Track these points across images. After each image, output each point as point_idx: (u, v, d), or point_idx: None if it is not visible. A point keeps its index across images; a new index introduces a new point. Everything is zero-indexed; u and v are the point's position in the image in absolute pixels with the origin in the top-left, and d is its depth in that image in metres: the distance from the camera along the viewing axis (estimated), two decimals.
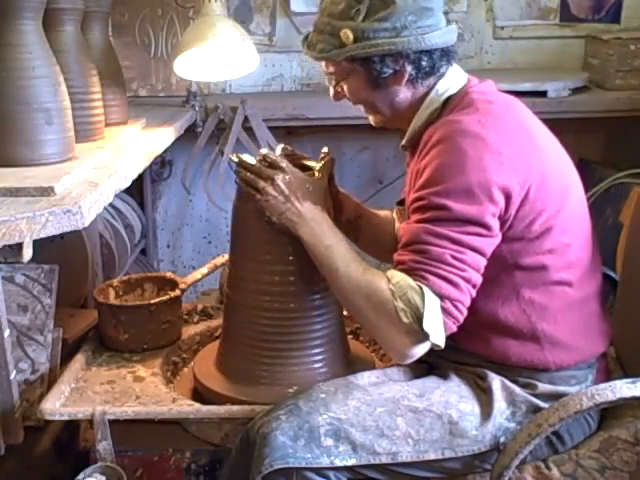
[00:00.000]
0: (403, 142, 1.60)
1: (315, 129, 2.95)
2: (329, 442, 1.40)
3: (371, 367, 1.76)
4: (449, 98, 1.53)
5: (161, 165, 3.16)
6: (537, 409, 1.47)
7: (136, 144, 2.02)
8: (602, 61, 2.91)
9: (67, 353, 1.85)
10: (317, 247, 1.50)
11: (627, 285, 1.79)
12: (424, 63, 1.49)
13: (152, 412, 1.57)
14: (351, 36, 1.47)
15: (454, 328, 1.40)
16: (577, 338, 1.51)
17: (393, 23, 1.45)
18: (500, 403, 1.48)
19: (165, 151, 2.32)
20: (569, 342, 1.50)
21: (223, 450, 1.61)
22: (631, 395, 1.38)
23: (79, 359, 1.78)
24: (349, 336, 1.88)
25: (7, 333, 1.62)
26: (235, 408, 1.58)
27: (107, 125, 2.03)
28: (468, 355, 1.55)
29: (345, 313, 1.76)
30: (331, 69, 1.57)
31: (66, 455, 1.79)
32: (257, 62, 2.51)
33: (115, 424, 1.56)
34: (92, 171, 1.61)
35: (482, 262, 1.40)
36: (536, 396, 1.49)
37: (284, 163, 1.57)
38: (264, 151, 1.60)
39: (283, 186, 1.53)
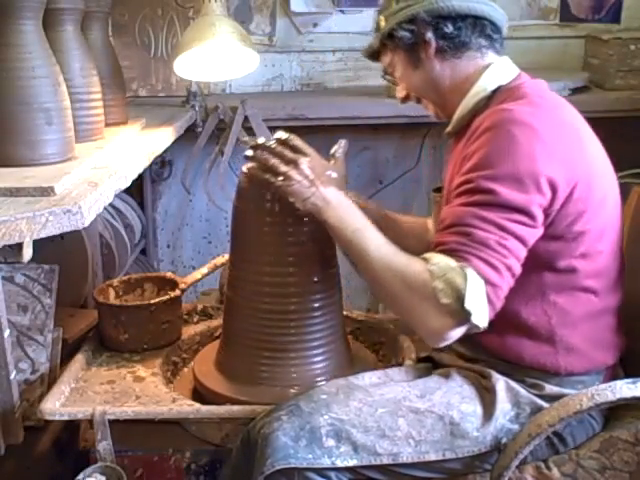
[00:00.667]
0: (449, 128, 1.61)
1: (315, 129, 2.95)
2: (330, 443, 1.40)
3: (371, 367, 1.76)
4: (498, 89, 1.53)
5: (161, 165, 3.16)
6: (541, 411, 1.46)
7: (136, 144, 2.02)
8: (602, 61, 2.91)
9: (67, 353, 1.85)
10: (345, 231, 1.45)
11: (627, 285, 1.78)
12: (447, 30, 1.52)
13: (152, 412, 1.57)
14: (384, 20, 1.59)
15: (491, 315, 1.36)
16: (591, 347, 1.50)
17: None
18: (504, 404, 1.47)
19: (165, 151, 2.32)
20: (583, 350, 1.49)
21: (223, 450, 1.61)
22: (631, 395, 1.38)
23: (79, 359, 1.78)
24: (349, 336, 1.88)
25: (7, 333, 1.62)
26: (235, 408, 1.58)
27: (107, 125, 2.03)
28: (478, 349, 1.54)
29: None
30: (385, 63, 1.65)
31: (66, 455, 1.79)
32: (257, 62, 2.51)
33: (115, 424, 1.56)
34: (92, 171, 1.61)
35: (523, 252, 1.38)
36: (542, 397, 1.48)
37: (307, 147, 1.52)
38: (281, 134, 1.53)
39: (307, 170, 1.46)
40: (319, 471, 1.40)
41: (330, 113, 2.84)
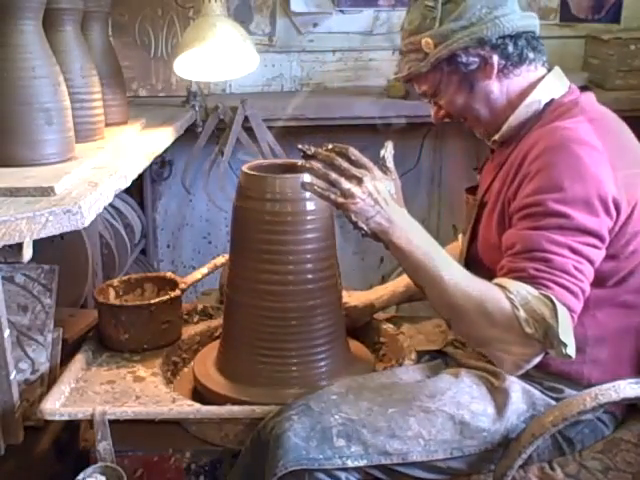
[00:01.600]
0: (496, 137, 1.57)
1: (315, 129, 2.95)
2: (341, 443, 1.40)
3: (371, 367, 1.77)
4: (551, 102, 1.52)
5: (161, 165, 3.16)
6: None
7: (136, 144, 2.02)
8: (602, 61, 2.91)
9: (67, 353, 1.85)
10: (413, 254, 1.37)
11: None
12: (510, 49, 1.50)
13: (152, 412, 1.57)
14: (432, 42, 1.49)
15: None
16: (618, 363, 1.50)
17: (468, 19, 1.48)
18: (519, 405, 1.47)
19: (165, 151, 2.32)
20: (609, 364, 1.49)
21: (223, 450, 1.61)
22: (635, 395, 1.38)
23: (79, 359, 1.78)
24: (349, 336, 1.88)
25: (7, 333, 1.62)
26: (235, 408, 1.58)
27: (107, 125, 2.03)
28: None
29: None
30: (424, 87, 1.57)
31: (66, 455, 1.79)
32: (257, 62, 2.51)
33: (115, 424, 1.56)
34: (92, 171, 1.61)
35: (592, 275, 1.38)
36: (558, 401, 1.48)
37: (367, 161, 1.42)
38: (336, 145, 1.40)
39: (371, 188, 1.37)
40: (329, 472, 1.40)
41: (330, 113, 2.84)
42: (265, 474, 1.39)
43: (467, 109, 1.56)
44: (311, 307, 1.66)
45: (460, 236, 1.87)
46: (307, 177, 1.47)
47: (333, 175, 1.35)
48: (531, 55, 1.53)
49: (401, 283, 1.92)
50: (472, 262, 1.58)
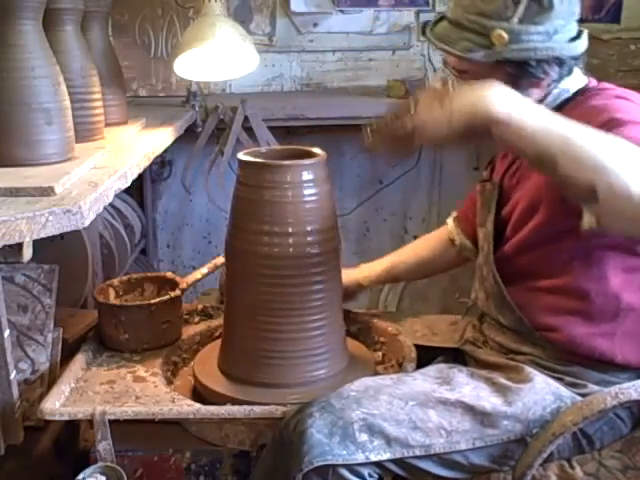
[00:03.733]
0: None
1: (315, 129, 2.95)
2: (364, 437, 1.40)
3: (371, 367, 1.77)
4: (577, 91, 1.53)
5: (161, 165, 3.17)
6: None
7: (136, 144, 2.02)
8: (602, 61, 2.91)
9: (67, 353, 1.85)
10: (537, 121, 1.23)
11: None
12: (566, 68, 1.50)
13: (152, 412, 1.57)
14: (506, 37, 1.42)
15: None
16: None
17: (547, 27, 1.44)
18: (544, 396, 1.47)
19: (165, 151, 2.32)
20: None
21: (223, 450, 1.61)
22: None
23: (79, 359, 1.78)
24: (349, 336, 1.88)
25: (7, 333, 1.62)
26: (235, 408, 1.58)
27: (107, 125, 2.03)
28: (523, 337, 1.55)
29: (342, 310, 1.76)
30: (465, 66, 1.49)
31: (66, 455, 1.79)
32: (257, 62, 2.52)
33: (115, 424, 1.56)
34: (92, 171, 1.61)
35: None
36: (583, 396, 1.48)
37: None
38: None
39: (430, 92, 1.28)
40: (352, 468, 1.41)
41: (330, 113, 2.84)
42: (289, 471, 1.39)
43: None
44: (311, 307, 1.66)
45: (451, 223, 1.91)
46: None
47: (392, 122, 1.30)
48: (576, 69, 1.54)
49: (385, 262, 1.95)
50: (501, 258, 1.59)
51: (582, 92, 1.54)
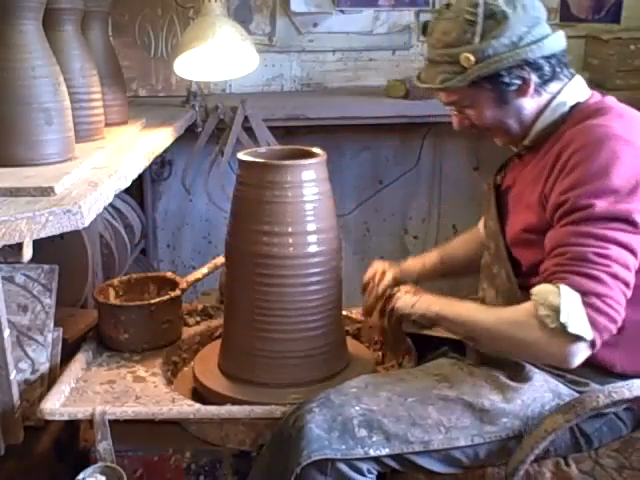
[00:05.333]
0: (526, 142, 1.59)
1: (315, 129, 2.95)
2: (363, 433, 1.42)
3: (371, 367, 1.77)
4: (576, 106, 1.54)
5: (161, 165, 3.17)
6: None
7: (136, 144, 2.02)
8: (602, 61, 2.91)
9: (67, 353, 1.85)
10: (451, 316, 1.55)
11: None
12: (546, 69, 1.52)
13: (152, 412, 1.57)
14: (472, 58, 1.49)
15: (610, 326, 1.37)
16: None
17: (509, 37, 1.48)
18: (543, 394, 1.49)
19: (165, 151, 2.32)
20: None
21: (223, 450, 1.61)
22: None
23: (79, 359, 1.78)
24: (349, 336, 1.88)
25: (7, 333, 1.62)
26: (235, 408, 1.58)
27: (107, 125, 2.03)
28: None
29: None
30: (453, 97, 1.57)
31: (66, 455, 1.79)
32: (257, 62, 2.51)
33: (115, 424, 1.56)
34: (92, 171, 1.61)
35: (630, 259, 1.39)
36: (582, 394, 1.48)
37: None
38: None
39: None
40: (351, 463, 1.42)
41: (330, 113, 2.84)
42: (287, 465, 1.40)
43: (497, 123, 1.58)
44: (310, 307, 1.66)
45: (481, 227, 1.90)
46: None
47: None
48: (561, 71, 1.55)
49: (436, 258, 1.93)
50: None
51: (581, 108, 1.54)
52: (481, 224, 1.91)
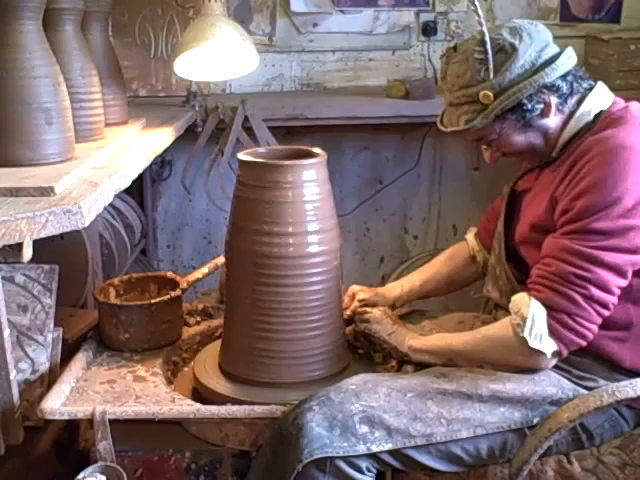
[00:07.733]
0: (554, 154, 1.60)
1: (315, 129, 2.95)
2: (364, 429, 1.43)
3: (371, 367, 1.77)
4: (600, 114, 1.56)
5: (161, 165, 3.16)
6: None
7: (136, 144, 2.02)
8: (602, 61, 2.91)
9: (67, 353, 1.85)
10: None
11: None
12: (564, 88, 1.54)
13: (152, 412, 1.57)
14: (491, 94, 1.52)
15: (578, 341, 1.43)
16: None
17: (522, 66, 1.52)
18: (545, 388, 1.50)
19: (165, 151, 2.32)
20: None
21: (223, 450, 1.61)
22: None
23: (79, 359, 1.78)
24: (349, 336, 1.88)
25: (7, 333, 1.62)
26: (235, 408, 1.58)
27: (107, 125, 2.03)
28: None
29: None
30: (480, 134, 1.60)
31: (66, 455, 1.79)
32: (257, 62, 2.52)
33: (115, 424, 1.56)
34: (92, 171, 1.62)
35: (614, 280, 1.42)
36: (588, 389, 1.50)
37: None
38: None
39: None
40: (351, 461, 1.42)
41: (330, 113, 2.84)
42: (288, 463, 1.41)
43: (526, 147, 1.60)
44: (310, 307, 1.66)
45: (471, 239, 1.93)
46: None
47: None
48: (579, 85, 1.57)
49: (416, 281, 1.94)
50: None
51: (604, 116, 1.56)
52: (470, 237, 1.92)
